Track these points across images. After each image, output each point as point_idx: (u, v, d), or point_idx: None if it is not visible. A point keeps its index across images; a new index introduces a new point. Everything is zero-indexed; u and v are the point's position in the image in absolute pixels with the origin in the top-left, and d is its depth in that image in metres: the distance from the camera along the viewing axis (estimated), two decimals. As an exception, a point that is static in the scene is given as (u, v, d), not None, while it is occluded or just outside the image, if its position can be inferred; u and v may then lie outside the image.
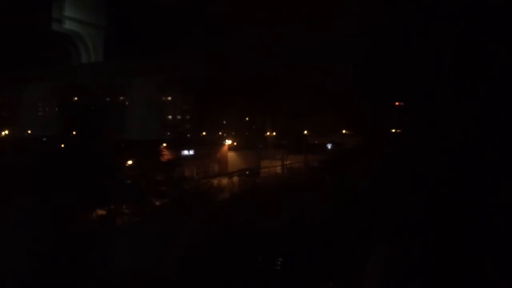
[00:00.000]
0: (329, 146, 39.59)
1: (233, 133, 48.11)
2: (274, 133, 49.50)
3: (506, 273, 8.71)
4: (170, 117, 47.34)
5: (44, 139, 29.60)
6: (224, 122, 48.63)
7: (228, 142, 36.82)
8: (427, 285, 9.76)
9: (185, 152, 33.83)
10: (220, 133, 47.02)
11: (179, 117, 48.00)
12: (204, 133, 47.56)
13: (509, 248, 8.93)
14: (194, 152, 34.96)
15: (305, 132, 46.44)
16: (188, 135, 44.21)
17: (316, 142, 44.44)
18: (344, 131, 43.73)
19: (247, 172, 35.58)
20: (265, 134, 48.61)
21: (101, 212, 22.51)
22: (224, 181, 32.45)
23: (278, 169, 37.84)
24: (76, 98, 33.52)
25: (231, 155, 37.89)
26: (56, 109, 32.21)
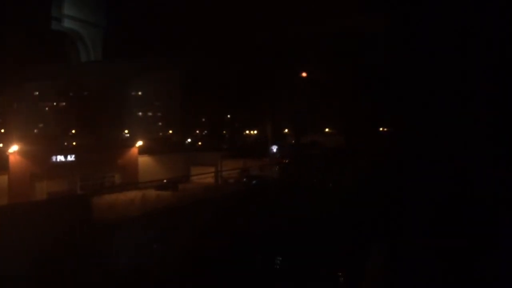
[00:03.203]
0: (274, 149, 33.91)
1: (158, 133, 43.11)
2: (255, 132, 46.25)
3: (506, 273, 8.91)
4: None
5: None
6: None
7: (139, 143, 28.63)
8: (427, 284, 9.59)
9: (60, 158, 24.44)
10: (127, 132, 41.55)
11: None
12: (170, 132, 44.62)
13: (509, 248, 9.25)
14: (76, 158, 24.97)
15: (286, 130, 43.18)
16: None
17: (293, 141, 40.51)
18: (327, 130, 42.12)
19: (164, 182, 26.80)
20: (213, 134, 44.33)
21: None
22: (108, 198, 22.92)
23: (211, 179, 29.78)
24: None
25: (148, 161, 28.47)
26: None
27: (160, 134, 44.56)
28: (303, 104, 36.73)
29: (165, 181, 27.07)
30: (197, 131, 46.18)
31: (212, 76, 39.02)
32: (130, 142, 29.27)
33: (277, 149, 33.58)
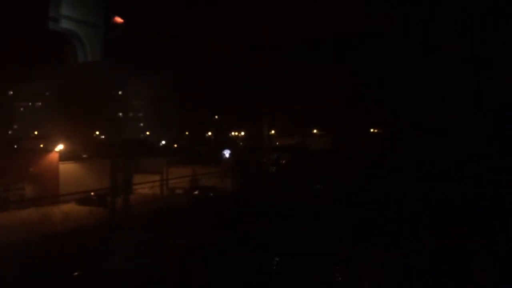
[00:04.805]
0: (226, 154, 29.90)
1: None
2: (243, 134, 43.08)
3: (505, 273, 8.78)
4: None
5: None
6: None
7: (60, 147, 23.86)
8: (425, 285, 9.68)
9: None
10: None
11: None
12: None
13: (508, 248, 9.24)
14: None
15: (272, 132, 38.28)
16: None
17: (278, 143, 37.52)
18: (315, 131, 38.54)
19: (92, 196, 22.45)
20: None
21: None
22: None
23: (156, 189, 25.81)
24: None
25: (75, 169, 24.40)
26: None
27: (142, 135, 41.91)
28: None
29: (92, 193, 22.06)
30: (180, 133, 42.82)
31: (198, 77, 36.48)
32: (50, 146, 24.43)
33: (229, 155, 28.90)
